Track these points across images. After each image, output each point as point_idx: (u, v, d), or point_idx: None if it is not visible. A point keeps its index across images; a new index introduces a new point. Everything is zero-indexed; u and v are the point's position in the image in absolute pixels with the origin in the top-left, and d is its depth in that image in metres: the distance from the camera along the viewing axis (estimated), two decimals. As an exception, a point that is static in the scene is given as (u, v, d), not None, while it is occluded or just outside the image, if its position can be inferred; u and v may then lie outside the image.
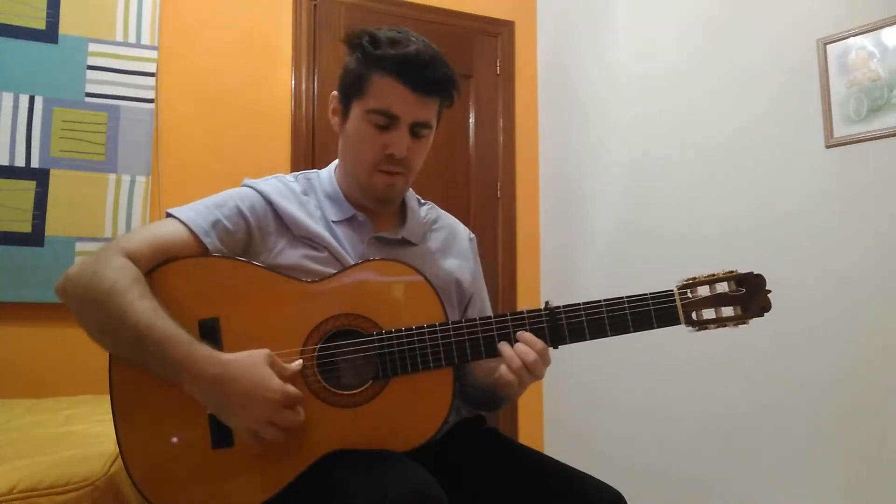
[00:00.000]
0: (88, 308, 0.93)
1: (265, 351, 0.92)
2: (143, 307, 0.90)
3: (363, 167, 1.09)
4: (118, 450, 0.96)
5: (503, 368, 0.98)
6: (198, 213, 1.03)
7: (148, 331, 0.89)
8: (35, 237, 2.10)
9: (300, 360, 0.95)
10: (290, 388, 0.91)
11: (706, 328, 1.01)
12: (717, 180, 2.11)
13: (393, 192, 1.13)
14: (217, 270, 1.01)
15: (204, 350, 0.90)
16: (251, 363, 0.90)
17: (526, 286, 2.88)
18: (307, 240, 1.07)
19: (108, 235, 2.17)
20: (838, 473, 1.74)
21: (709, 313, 1.02)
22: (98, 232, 2.17)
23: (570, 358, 2.51)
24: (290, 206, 1.09)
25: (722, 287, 1.03)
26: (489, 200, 2.87)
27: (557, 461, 1.06)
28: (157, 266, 0.98)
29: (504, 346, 0.99)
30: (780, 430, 1.88)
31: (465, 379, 1.15)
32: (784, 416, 1.86)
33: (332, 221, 1.11)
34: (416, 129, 1.08)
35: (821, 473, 1.77)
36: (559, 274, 2.82)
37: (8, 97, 2.10)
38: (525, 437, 2.76)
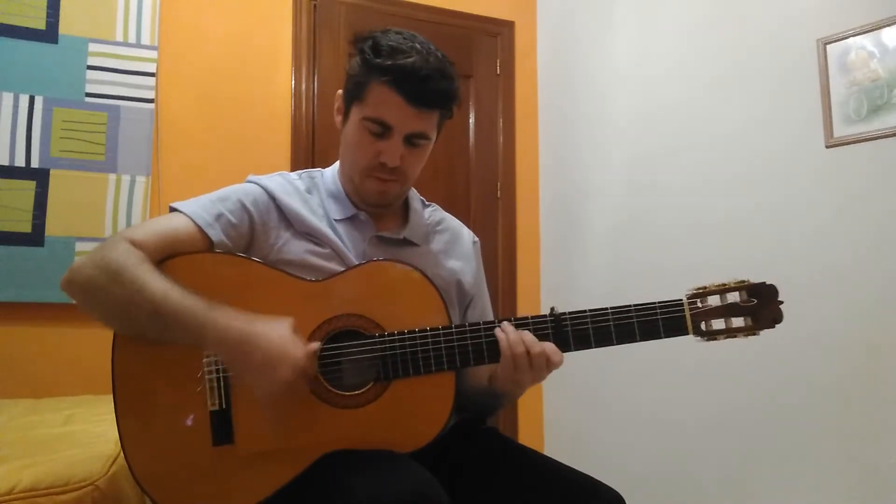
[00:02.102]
0: (99, 290, 0.92)
1: (289, 319, 0.92)
2: (156, 279, 0.91)
3: (357, 171, 1.10)
4: (120, 446, 0.96)
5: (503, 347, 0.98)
6: (201, 206, 1.04)
7: (164, 300, 0.90)
8: (35, 237, 2.10)
9: (318, 343, 0.95)
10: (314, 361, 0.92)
11: (715, 339, 0.99)
12: (717, 180, 2.11)
13: (385, 198, 1.13)
14: (220, 267, 1.01)
15: (225, 310, 0.91)
16: (277, 323, 0.91)
17: (526, 286, 2.88)
18: (309, 235, 1.08)
19: (108, 235, 2.17)
20: (838, 472, 1.74)
21: (718, 324, 1.00)
22: (98, 232, 2.17)
23: (570, 358, 2.51)
24: (293, 203, 1.09)
25: (733, 297, 1.00)
26: (489, 200, 2.87)
27: (557, 462, 1.06)
28: (162, 260, 0.98)
29: (500, 333, 0.99)
30: (779, 429, 1.88)
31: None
32: (783, 415, 1.86)
33: (335, 220, 1.12)
34: (412, 140, 1.08)
35: (820, 473, 1.77)
36: (559, 274, 2.82)
37: (8, 97, 2.10)
38: (525, 438, 2.77)
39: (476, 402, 1.14)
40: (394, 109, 1.04)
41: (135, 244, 0.96)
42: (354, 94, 1.07)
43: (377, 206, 1.14)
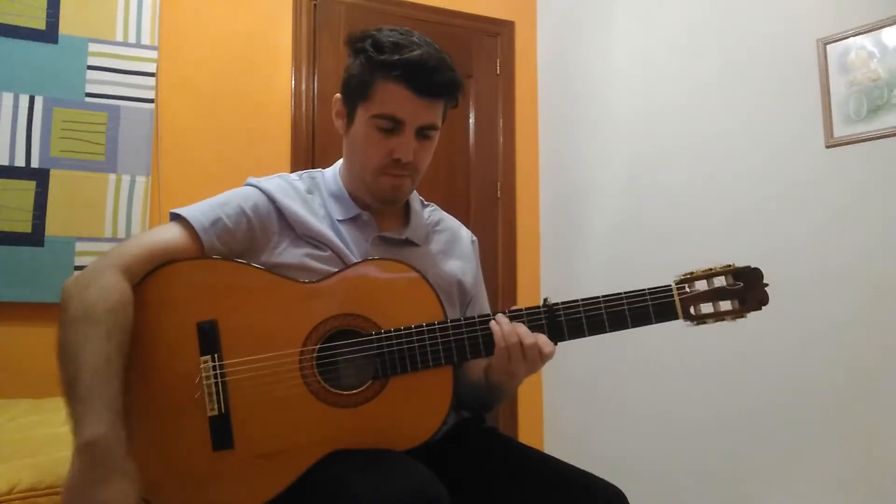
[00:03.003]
0: (64, 323, 0.90)
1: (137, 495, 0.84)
2: (101, 350, 0.87)
3: (369, 171, 1.09)
4: None
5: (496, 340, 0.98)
6: (200, 211, 1.04)
7: (90, 376, 0.85)
8: (35, 237, 2.10)
9: None
10: None
11: (704, 322, 1.02)
12: (717, 180, 2.11)
13: (400, 194, 1.13)
14: (215, 272, 1.01)
15: (121, 435, 0.84)
16: (129, 493, 0.83)
17: (526, 285, 2.88)
18: (310, 238, 1.07)
19: (108, 235, 2.17)
20: (838, 471, 1.74)
21: (707, 308, 1.03)
22: (98, 232, 2.17)
23: (570, 357, 2.51)
24: (293, 205, 1.09)
25: (720, 281, 1.03)
26: (489, 200, 2.87)
27: (557, 459, 1.06)
28: (155, 268, 0.98)
29: (494, 325, 0.99)
30: (779, 428, 1.88)
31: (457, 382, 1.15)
32: (783, 414, 1.86)
33: (337, 220, 1.12)
34: (422, 132, 1.08)
35: (820, 472, 1.77)
36: (559, 273, 2.81)
37: (8, 97, 2.10)
38: (525, 437, 2.76)
39: (474, 398, 1.14)
40: (404, 103, 1.04)
41: (126, 267, 0.94)
42: (359, 94, 1.07)
43: (390, 204, 1.14)
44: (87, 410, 0.84)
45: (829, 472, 1.76)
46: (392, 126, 1.05)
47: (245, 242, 1.05)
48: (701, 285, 1.02)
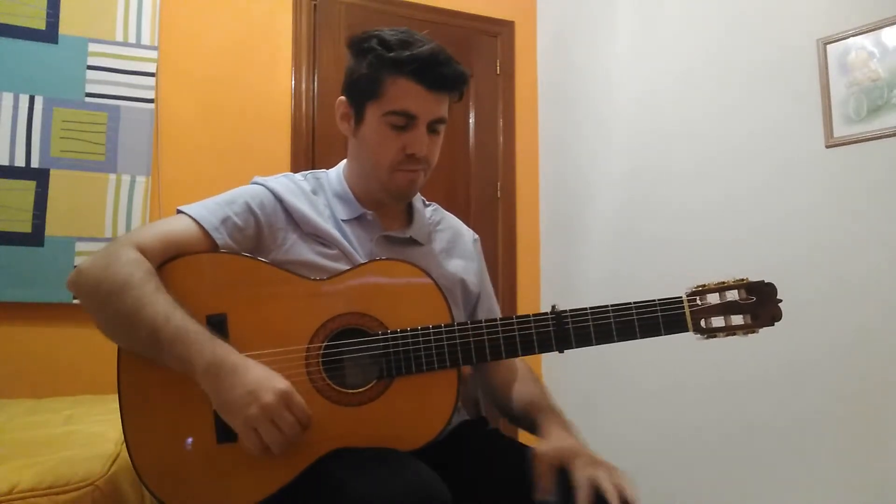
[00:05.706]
0: (102, 301, 0.93)
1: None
2: (160, 300, 0.91)
3: (383, 169, 1.10)
4: (124, 443, 0.96)
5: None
6: (208, 210, 1.04)
7: (165, 323, 0.89)
8: (35, 237, 2.10)
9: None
10: (298, 395, 0.90)
11: (715, 336, 1.00)
12: (717, 178, 2.11)
13: (414, 188, 1.14)
14: (226, 266, 1.01)
15: (223, 344, 0.91)
16: (267, 369, 0.91)
17: (526, 286, 2.88)
18: (316, 237, 1.08)
19: (108, 235, 2.17)
20: (842, 484, 1.72)
21: (718, 321, 1.01)
22: (98, 232, 2.17)
23: (571, 361, 2.50)
24: (299, 204, 1.10)
25: (732, 295, 1.01)
26: (489, 201, 2.87)
27: (559, 461, 1.06)
28: (166, 261, 0.99)
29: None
30: (782, 438, 1.86)
31: (508, 399, 1.20)
32: (786, 424, 1.85)
33: (342, 220, 1.12)
34: (433, 126, 1.09)
35: (824, 483, 1.76)
36: (559, 273, 2.81)
37: (8, 97, 2.09)
38: (526, 437, 2.76)
39: (508, 414, 1.21)
40: (416, 98, 1.05)
41: (141, 250, 0.96)
42: (369, 93, 1.08)
43: (403, 199, 1.16)
44: (187, 345, 0.89)
45: (832, 484, 1.74)
46: (405, 122, 1.06)
47: (254, 240, 1.06)
48: (713, 298, 1.00)
